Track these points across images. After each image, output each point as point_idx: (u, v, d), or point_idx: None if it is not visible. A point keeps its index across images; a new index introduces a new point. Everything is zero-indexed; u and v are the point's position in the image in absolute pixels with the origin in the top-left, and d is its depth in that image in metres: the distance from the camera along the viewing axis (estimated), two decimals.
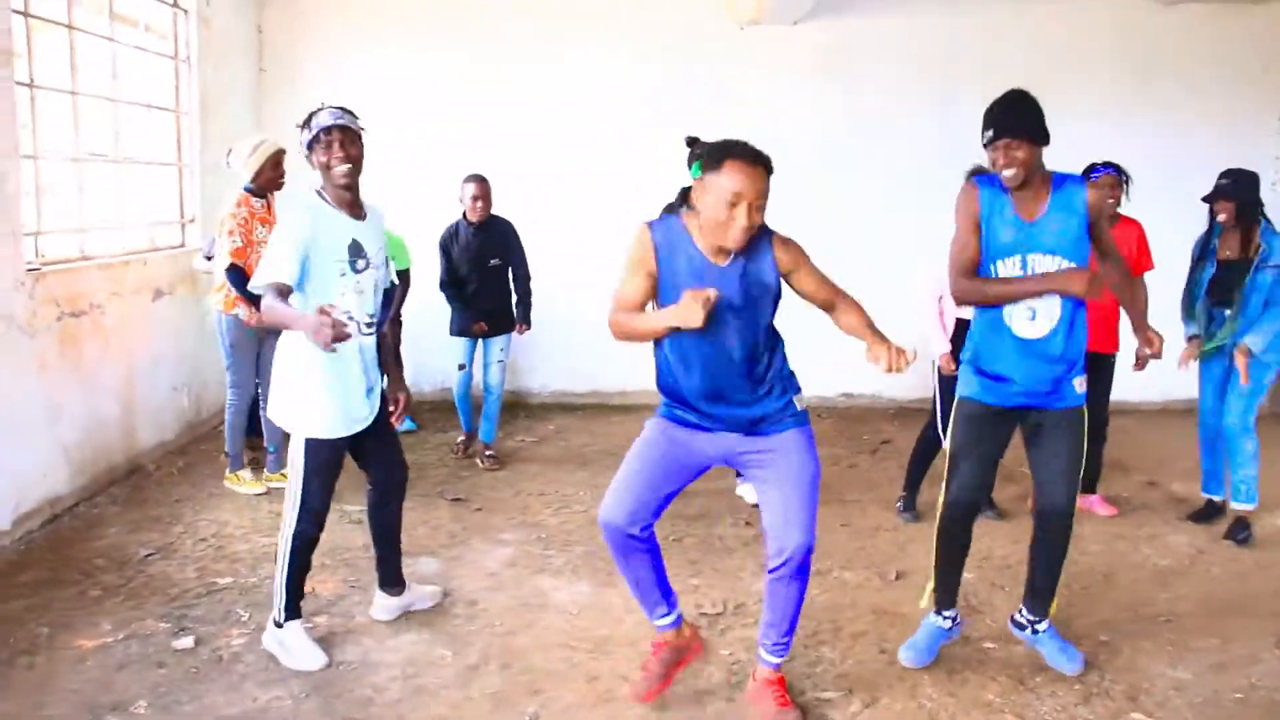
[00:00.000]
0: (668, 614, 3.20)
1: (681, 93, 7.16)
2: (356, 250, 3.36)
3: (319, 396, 3.34)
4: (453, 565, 4.37)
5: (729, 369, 2.95)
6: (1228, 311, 4.79)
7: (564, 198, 7.22)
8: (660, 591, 3.16)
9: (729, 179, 2.76)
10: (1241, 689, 3.42)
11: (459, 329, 5.82)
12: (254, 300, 4.84)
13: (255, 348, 5.18)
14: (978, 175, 3.62)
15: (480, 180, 5.65)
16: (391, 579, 3.80)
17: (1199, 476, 5.24)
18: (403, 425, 6.23)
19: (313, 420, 3.37)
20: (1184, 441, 6.62)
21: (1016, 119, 3.23)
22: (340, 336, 2.85)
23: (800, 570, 3.01)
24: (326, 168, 3.31)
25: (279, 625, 3.45)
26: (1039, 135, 3.23)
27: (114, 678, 3.32)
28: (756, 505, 5.17)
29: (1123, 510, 5.24)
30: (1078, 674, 3.43)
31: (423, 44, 7.17)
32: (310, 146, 3.31)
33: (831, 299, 3.04)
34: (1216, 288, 4.83)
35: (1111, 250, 3.43)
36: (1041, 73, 7.21)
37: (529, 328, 5.89)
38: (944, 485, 3.49)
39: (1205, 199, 4.86)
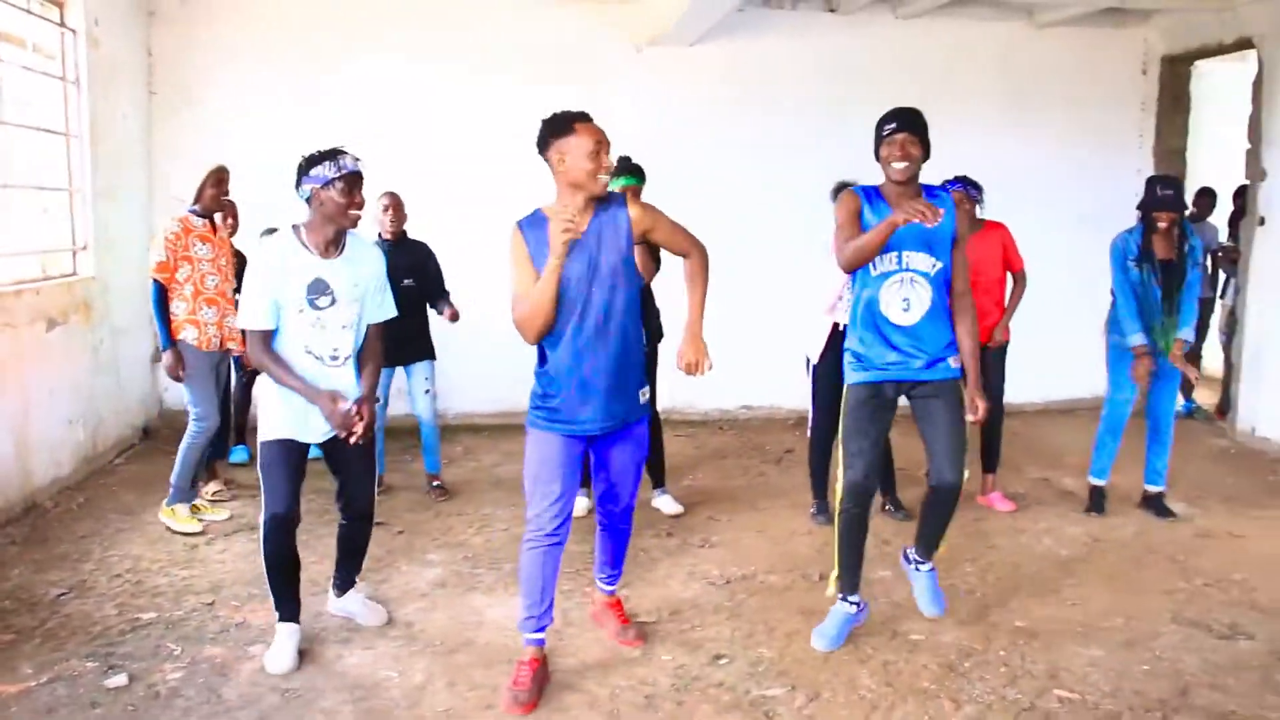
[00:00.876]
0: (544, 629, 3.47)
1: None
2: (319, 288, 3.51)
3: (273, 403, 3.57)
4: (383, 589, 4.33)
5: (604, 339, 3.32)
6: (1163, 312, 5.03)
7: (463, 222, 7.19)
8: (550, 600, 3.47)
9: (586, 135, 3.23)
10: (1148, 661, 3.69)
11: None
12: (165, 317, 4.87)
13: (212, 372, 5.02)
14: (854, 186, 3.89)
15: (392, 194, 5.52)
16: (339, 583, 3.97)
17: (1086, 471, 5.55)
18: (235, 456, 6.17)
19: (265, 426, 3.59)
20: (1067, 439, 7.09)
21: (918, 122, 3.67)
22: (346, 426, 3.49)
23: (627, 520, 3.70)
24: (344, 211, 3.47)
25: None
26: (927, 144, 3.68)
27: None
28: (675, 516, 5.34)
29: (1020, 505, 5.54)
30: (937, 616, 3.93)
31: (316, 67, 7.08)
32: (327, 183, 3.43)
33: (685, 249, 3.46)
34: (1166, 289, 5.03)
35: (961, 262, 3.74)
36: (926, 90, 7.59)
37: (456, 313, 5.53)
38: (841, 473, 3.75)
39: (1144, 206, 5.05)
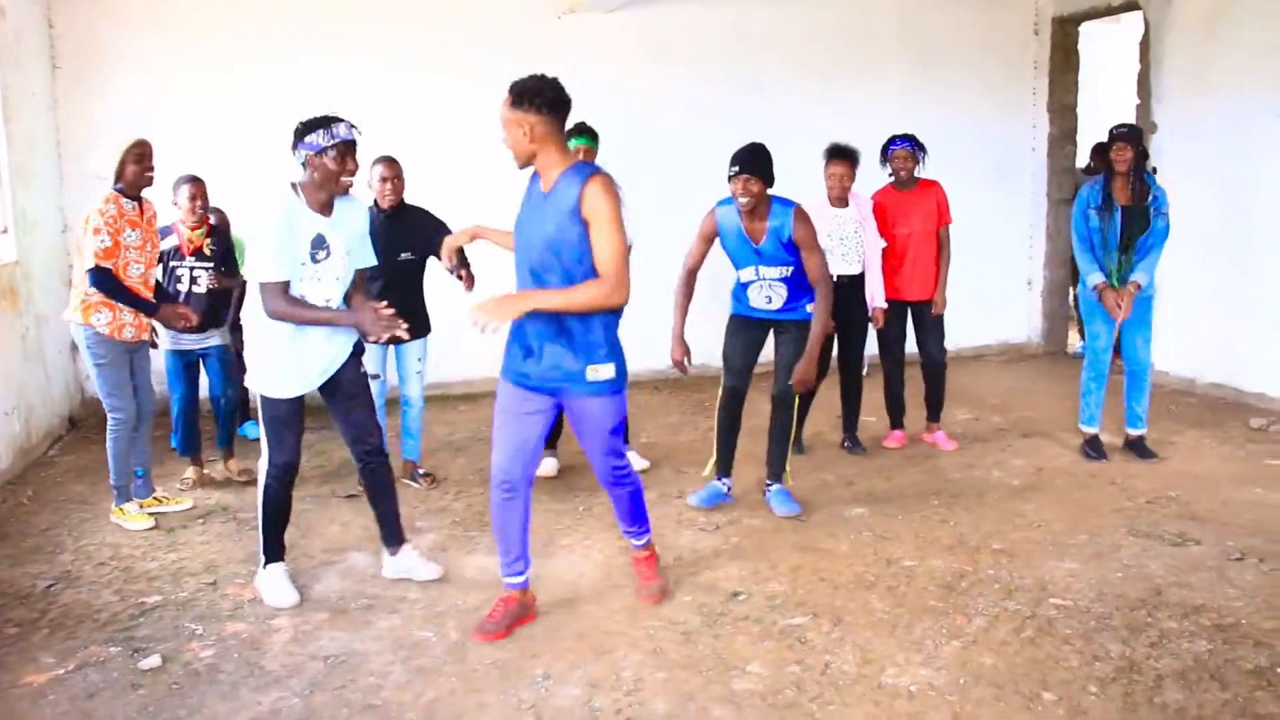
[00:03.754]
0: (518, 574, 3.63)
1: (500, 84, 7.14)
2: (319, 243, 3.66)
3: (274, 363, 3.72)
4: (384, 555, 4.32)
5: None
6: (1119, 255, 5.30)
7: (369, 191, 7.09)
8: (519, 549, 3.61)
9: None
10: (1119, 569, 4.05)
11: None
12: (128, 291, 4.51)
13: (126, 359, 4.66)
14: (720, 201, 4.74)
15: (389, 161, 5.06)
16: (388, 538, 4.09)
17: (1010, 410, 5.95)
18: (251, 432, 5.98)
19: (266, 380, 3.74)
20: (985, 383, 7.56)
21: (754, 162, 4.46)
22: (390, 328, 3.61)
23: (616, 484, 3.71)
24: (337, 177, 3.64)
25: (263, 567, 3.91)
26: (768, 177, 4.49)
27: (89, 706, 3.12)
28: (643, 471, 5.48)
29: (962, 444, 5.91)
30: (795, 516, 4.69)
31: (225, 38, 6.82)
32: (321, 151, 3.59)
33: (601, 266, 3.30)
34: (1127, 233, 5.29)
35: (812, 263, 4.55)
36: (836, 55, 7.92)
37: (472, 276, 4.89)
38: (721, 377, 4.84)
39: (1104, 150, 5.33)
